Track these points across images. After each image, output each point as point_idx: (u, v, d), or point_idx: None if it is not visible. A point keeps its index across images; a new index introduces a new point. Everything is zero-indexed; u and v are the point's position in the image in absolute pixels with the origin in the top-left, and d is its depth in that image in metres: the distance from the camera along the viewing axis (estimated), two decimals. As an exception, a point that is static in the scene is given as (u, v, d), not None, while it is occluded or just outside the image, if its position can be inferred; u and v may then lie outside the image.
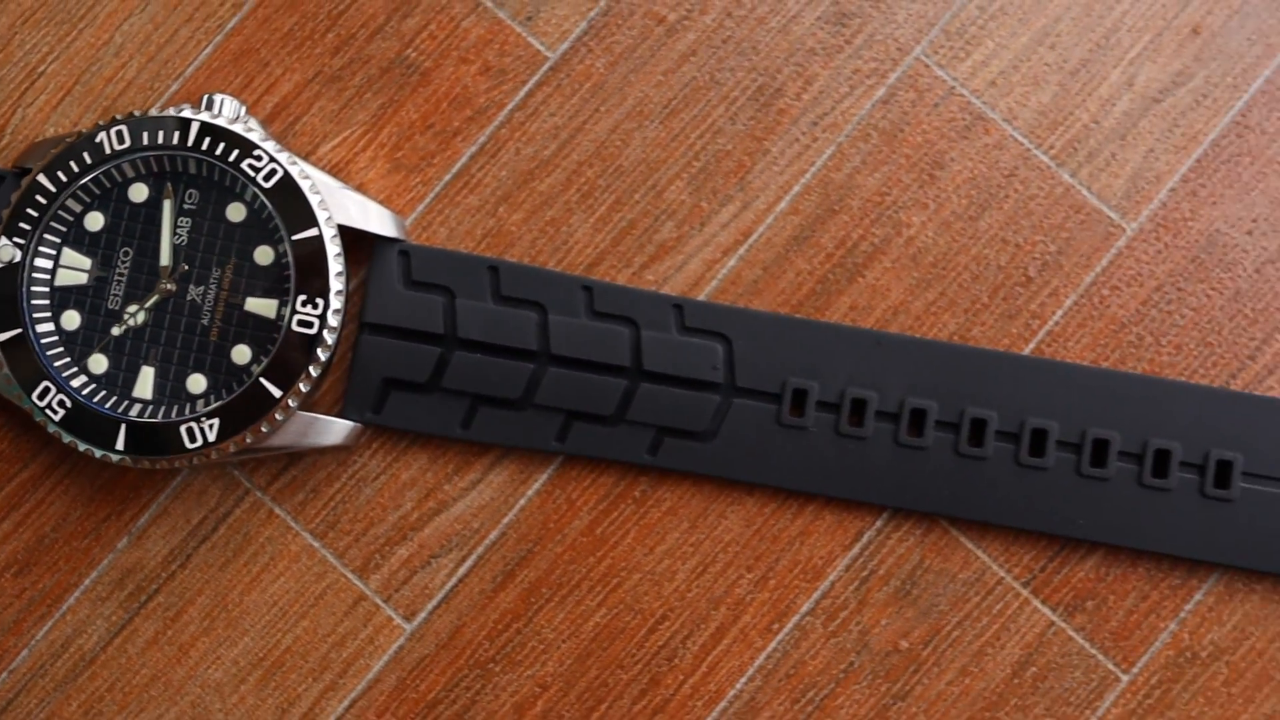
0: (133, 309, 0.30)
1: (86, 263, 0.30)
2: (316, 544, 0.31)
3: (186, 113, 0.29)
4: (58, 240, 0.30)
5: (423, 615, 0.31)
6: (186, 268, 0.30)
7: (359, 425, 0.30)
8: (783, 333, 0.30)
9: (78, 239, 0.30)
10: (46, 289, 0.30)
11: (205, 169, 0.30)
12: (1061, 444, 0.30)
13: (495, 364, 0.30)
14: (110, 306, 0.30)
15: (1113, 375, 0.30)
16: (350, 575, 0.31)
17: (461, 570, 0.31)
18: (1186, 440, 0.30)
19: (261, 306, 0.29)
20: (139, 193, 0.30)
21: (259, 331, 0.29)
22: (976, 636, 0.30)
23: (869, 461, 0.30)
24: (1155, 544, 0.30)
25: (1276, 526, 0.30)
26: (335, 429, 0.30)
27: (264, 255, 0.29)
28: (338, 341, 0.29)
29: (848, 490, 0.30)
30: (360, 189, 0.31)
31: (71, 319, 0.30)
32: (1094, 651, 0.30)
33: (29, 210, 0.29)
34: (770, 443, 0.30)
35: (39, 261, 0.29)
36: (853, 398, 0.30)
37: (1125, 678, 0.30)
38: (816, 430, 0.30)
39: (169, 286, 0.30)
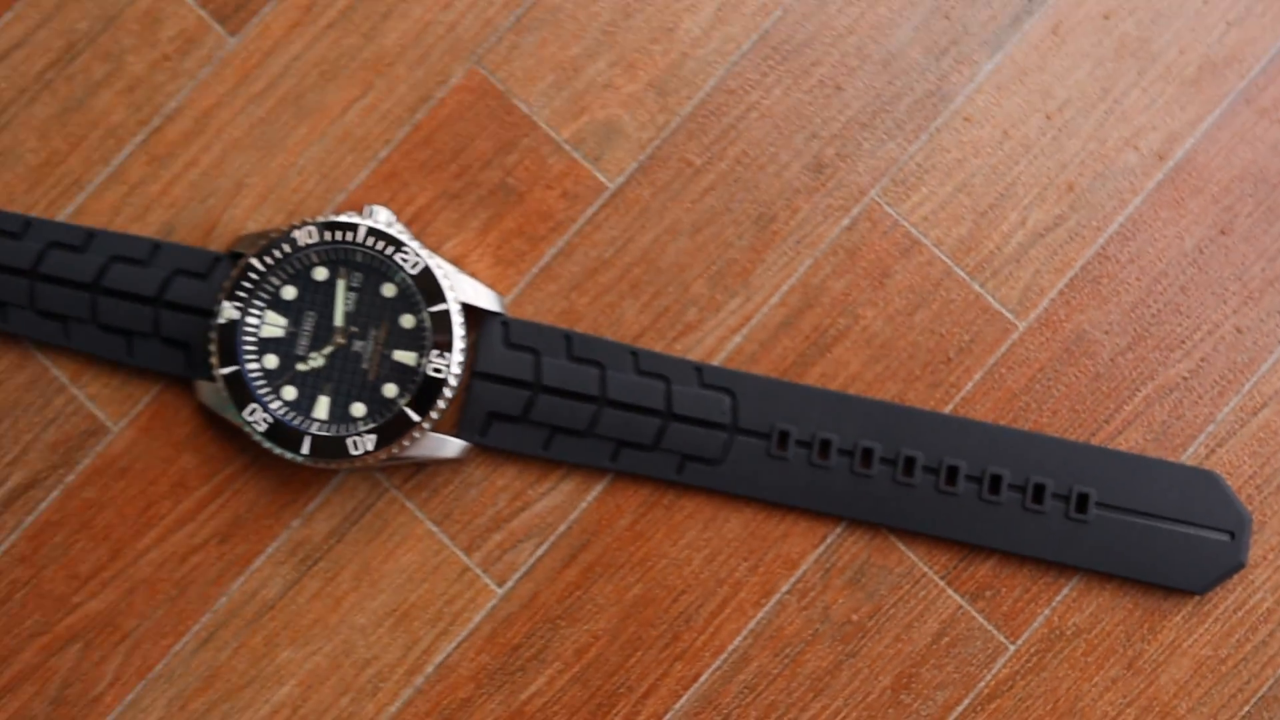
0: (314, 355, 0.42)
1: (283, 321, 0.42)
2: (435, 529, 0.43)
3: (355, 219, 0.42)
4: (263, 305, 0.42)
5: (510, 583, 0.42)
6: (353, 328, 0.42)
7: (469, 444, 0.42)
8: (773, 390, 0.42)
9: (276, 305, 0.42)
10: (255, 339, 0.42)
11: (368, 258, 0.42)
12: (969, 477, 0.42)
13: (567, 404, 0.42)
14: (298, 353, 0.42)
15: (1006, 430, 0.42)
16: (459, 552, 0.43)
17: (539, 552, 0.43)
18: (1058, 478, 0.42)
19: (406, 357, 0.42)
20: (320, 274, 0.42)
21: (403, 375, 0.42)
22: (906, 614, 0.42)
23: (832, 484, 0.42)
24: (1034, 551, 0.42)
25: (1120, 542, 0.41)
26: (452, 446, 0.42)
27: (408, 321, 0.42)
28: (458, 384, 0.41)
29: (816, 505, 0.42)
30: (473, 276, 0.43)
31: (270, 360, 0.42)
32: (990, 627, 0.42)
33: (244, 283, 0.42)
34: (762, 468, 0.42)
35: (249, 320, 0.42)
36: (821, 438, 0.42)
37: (1012, 647, 0.42)
38: (794, 461, 0.42)
39: (340, 340, 0.42)
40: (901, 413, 0.42)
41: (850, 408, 0.42)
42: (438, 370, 0.41)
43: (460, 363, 0.41)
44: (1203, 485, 0.41)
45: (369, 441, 0.41)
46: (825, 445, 0.42)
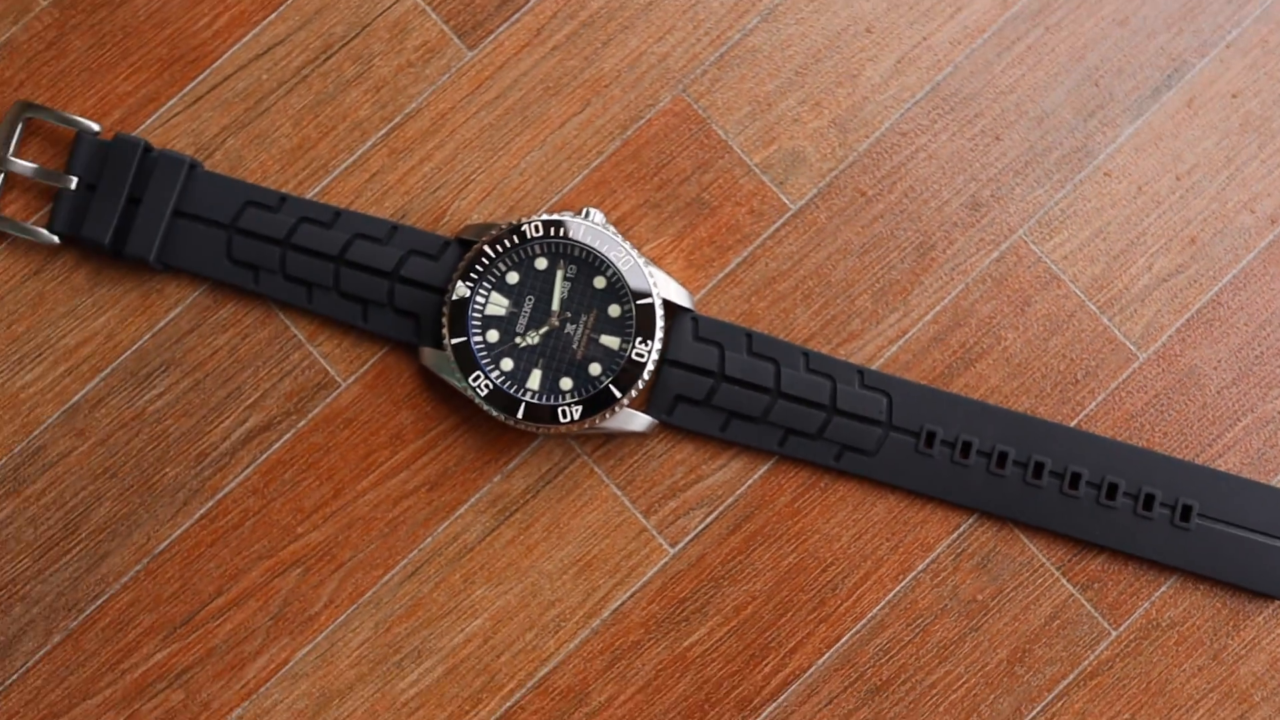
0: (531, 334, 0.48)
1: (505, 302, 0.48)
2: (619, 493, 0.49)
3: (574, 218, 0.48)
4: (489, 286, 0.48)
5: (681, 544, 0.49)
6: (566, 313, 0.48)
7: (656, 421, 0.48)
8: (924, 395, 0.49)
9: (501, 287, 0.48)
10: (480, 316, 0.48)
11: (584, 254, 0.48)
12: (1089, 484, 0.48)
13: (745, 393, 0.48)
14: (517, 330, 0.48)
15: (1124, 445, 0.48)
16: (638, 514, 0.49)
17: (708, 519, 0.49)
18: (1166, 490, 0.48)
19: (611, 342, 0.48)
20: (541, 264, 0.48)
21: (608, 357, 0.48)
22: (1024, 597, 0.48)
23: (969, 481, 0.48)
24: (1141, 551, 0.48)
25: (1216, 549, 0.48)
26: (642, 421, 0.48)
27: (615, 310, 0.48)
28: (654, 368, 0.48)
29: (955, 497, 0.48)
30: (669, 275, 0.50)
31: (493, 335, 0.48)
32: (1096, 614, 0.48)
33: (476, 266, 0.48)
34: (910, 462, 0.48)
35: (477, 299, 0.48)
36: (963, 440, 0.48)
37: (1114, 633, 0.48)
38: (938, 458, 0.48)
39: (555, 323, 0.48)
40: (1034, 423, 0.48)
41: (990, 416, 0.48)
42: (639, 355, 0.47)
43: (658, 350, 0.47)
44: None
45: (575, 411, 0.47)
46: (966, 446, 0.48)
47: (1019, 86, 0.51)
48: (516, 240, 0.48)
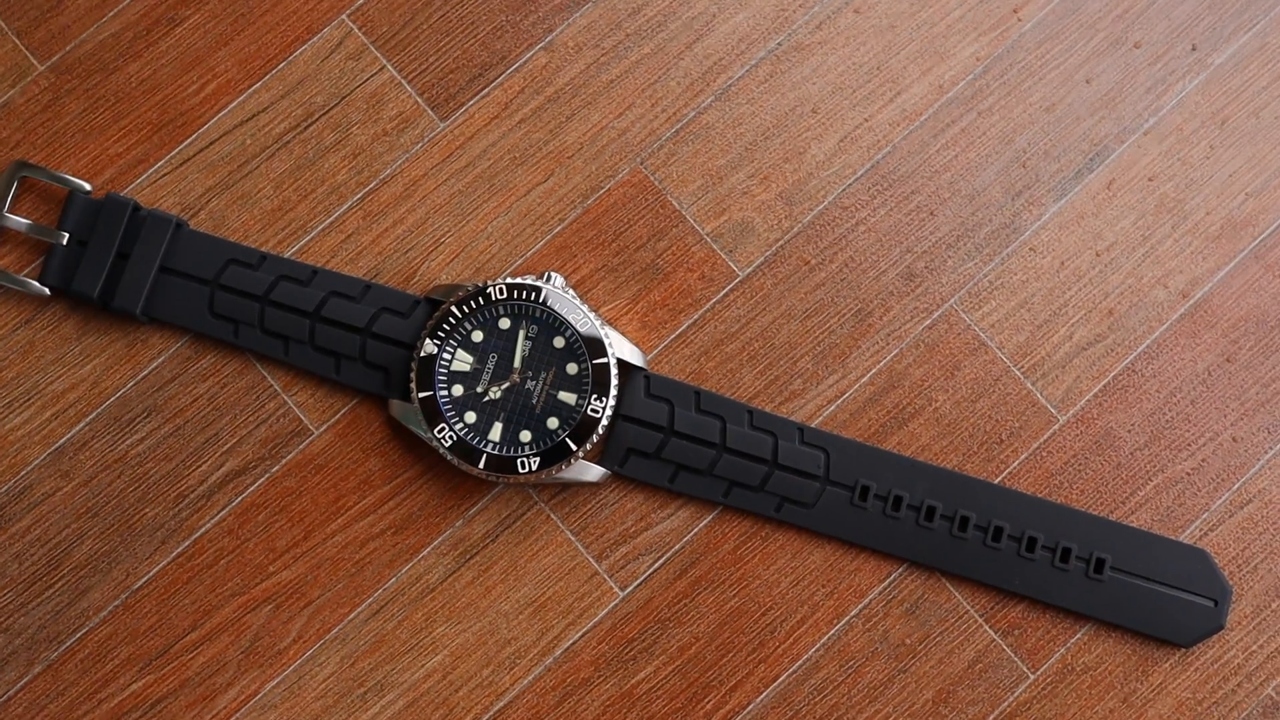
0: (493, 389, 0.52)
1: (470, 359, 0.52)
2: (573, 539, 0.52)
3: (537, 282, 0.52)
4: (455, 344, 0.52)
5: (631, 588, 0.52)
6: (528, 371, 0.52)
7: (609, 472, 0.52)
8: (860, 452, 0.52)
9: (465, 345, 0.52)
10: (446, 371, 0.51)
11: (545, 315, 0.52)
12: (1010, 537, 0.52)
13: (693, 448, 0.52)
14: (479, 387, 0.52)
15: (1044, 502, 0.52)
16: (591, 559, 0.52)
17: (657, 565, 0.52)
18: (1081, 544, 0.52)
19: (568, 398, 0.51)
20: (505, 324, 0.52)
21: (565, 412, 0.51)
22: (949, 642, 0.52)
23: (899, 532, 0.52)
24: (1057, 600, 0.51)
25: (1126, 599, 0.51)
26: (596, 472, 0.51)
27: (572, 368, 0.51)
28: (608, 423, 0.51)
29: (885, 547, 0.52)
30: (623, 335, 0.53)
31: (457, 390, 0.51)
32: (1015, 658, 0.52)
33: (444, 325, 0.51)
34: (845, 514, 0.52)
35: (444, 355, 0.51)
36: (895, 494, 0.52)
37: (1032, 676, 0.52)
38: (872, 511, 0.52)
39: (516, 379, 0.52)
40: (961, 480, 0.52)
41: (920, 472, 0.52)
42: (594, 411, 0.50)
43: (612, 406, 0.51)
44: (1196, 560, 0.51)
45: (534, 463, 0.50)
46: (898, 500, 0.52)
47: (952, 166, 0.55)
48: (482, 301, 0.51)
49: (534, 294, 0.51)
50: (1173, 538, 0.52)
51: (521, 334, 0.51)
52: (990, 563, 0.51)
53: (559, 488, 0.52)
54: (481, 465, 0.50)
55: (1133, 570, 0.51)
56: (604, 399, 0.50)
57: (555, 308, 0.51)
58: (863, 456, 0.52)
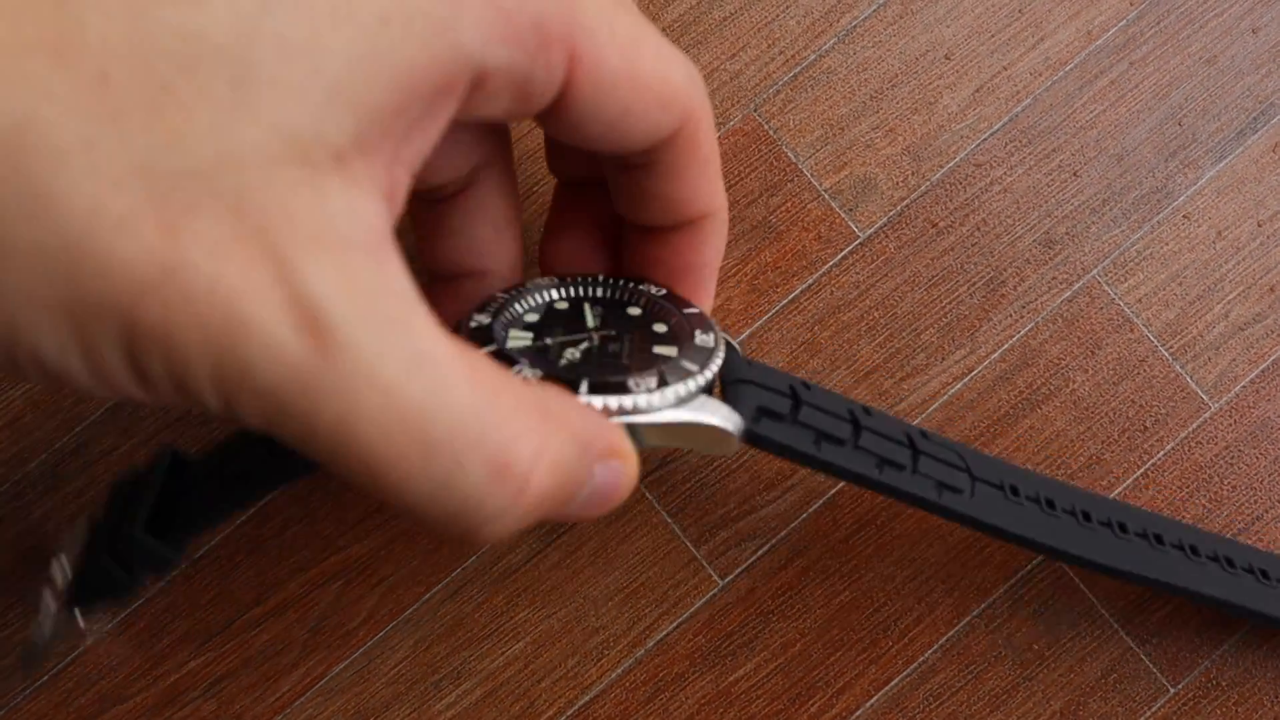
0: (569, 351, 0.41)
1: (528, 335, 0.40)
2: (670, 520, 0.48)
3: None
4: (506, 322, 0.43)
5: (731, 576, 0.48)
6: (608, 331, 0.42)
7: (743, 423, 0.43)
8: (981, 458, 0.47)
9: (516, 324, 0.40)
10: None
11: (608, 292, 0.44)
12: (1139, 535, 0.47)
13: (828, 417, 0.44)
14: (550, 355, 0.42)
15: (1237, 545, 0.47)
16: (688, 543, 0.48)
17: (760, 552, 0.48)
18: (1228, 547, 0.47)
19: (666, 350, 0.43)
20: (561, 305, 0.43)
21: (664, 363, 0.44)
22: (1081, 648, 0.47)
23: (1058, 527, 0.47)
24: (1202, 600, 0.46)
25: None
26: (725, 413, 0.39)
27: (660, 326, 0.42)
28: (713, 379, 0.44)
29: (1019, 540, 0.47)
30: (726, 302, 0.48)
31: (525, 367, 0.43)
32: (1154, 669, 0.47)
33: (486, 306, 0.43)
34: (1002, 507, 0.46)
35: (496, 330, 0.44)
36: (1043, 496, 0.47)
37: (1172, 690, 0.47)
38: (1027, 506, 0.46)
39: (596, 340, 0.42)
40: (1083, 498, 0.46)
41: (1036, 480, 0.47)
42: (703, 343, 0.40)
43: (720, 353, 0.41)
44: None
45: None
46: (1050, 502, 0.46)
47: (1099, 122, 0.49)
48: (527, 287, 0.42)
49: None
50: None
51: (586, 307, 0.42)
52: (1127, 559, 0.46)
53: (657, 463, 0.48)
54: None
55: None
56: (710, 332, 0.41)
57: (615, 283, 0.42)
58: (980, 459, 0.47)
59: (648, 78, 0.34)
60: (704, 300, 0.42)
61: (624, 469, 0.34)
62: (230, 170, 0.25)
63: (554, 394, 0.32)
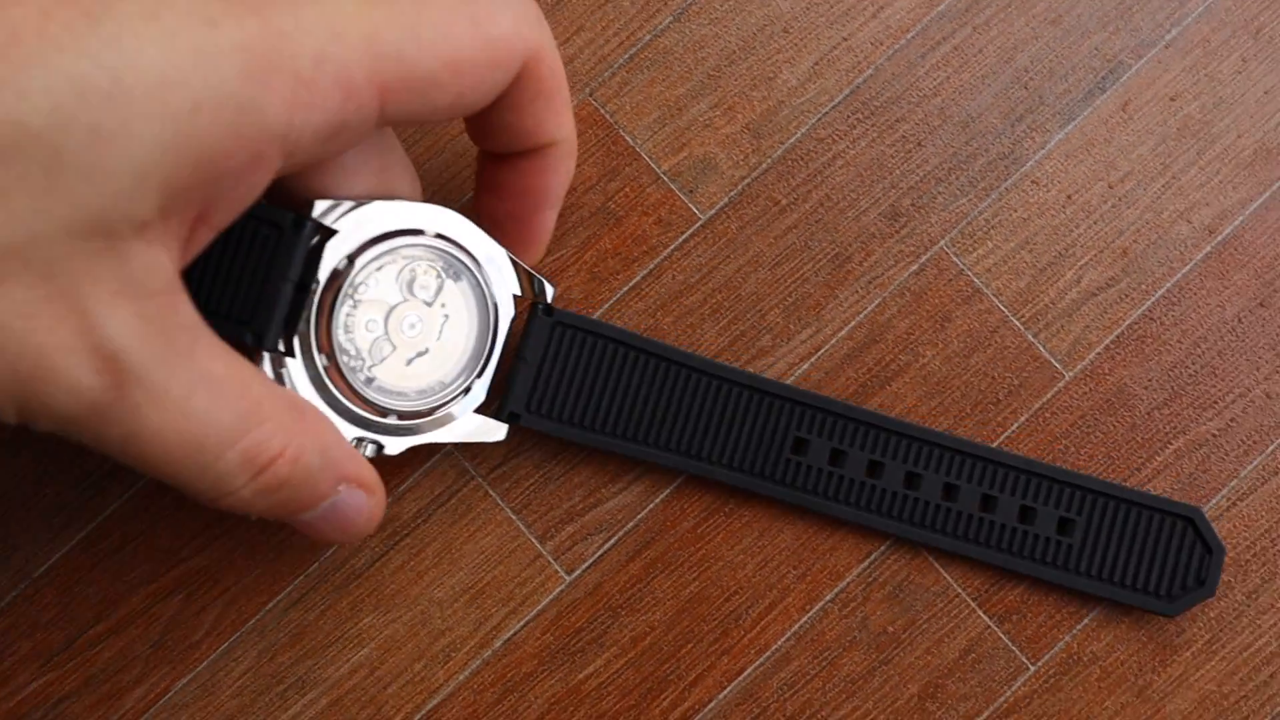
0: None
1: None
2: (514, 517, 0.47)
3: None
4: None
5: (578, 571, 0.46)
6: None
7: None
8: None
9: None
10: None
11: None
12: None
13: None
14: None
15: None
16: (534, 539, 0.47)
17: (606, 545, 0.47)
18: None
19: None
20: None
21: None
22: (937, 630, 0.46)
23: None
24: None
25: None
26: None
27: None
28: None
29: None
30: (566, 290, 0.47)
31: None
32: (1014, 648, 0.46)
33: None
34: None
35: None
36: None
37: (1032, 668, 0.45)
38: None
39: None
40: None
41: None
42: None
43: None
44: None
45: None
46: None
47: (943, 89, 0.48)
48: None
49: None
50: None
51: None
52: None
53: (498, 459, 0.47)
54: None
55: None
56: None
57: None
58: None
59: (468, 56, 0.36)
60: (544, 236, 0.44)
61: (367, 501, 0.40)
62: (43, 245, 0.30)
63: (315, 410, 0.39)
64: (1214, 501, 0.46)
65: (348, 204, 0.41)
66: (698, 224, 0.48)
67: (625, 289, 0.47)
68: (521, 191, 0.43)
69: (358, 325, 0.42)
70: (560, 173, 0.42)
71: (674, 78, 0.48)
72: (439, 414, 0.43)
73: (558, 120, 0.41)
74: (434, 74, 0.36)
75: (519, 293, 0.44)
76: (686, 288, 0.47)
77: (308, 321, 0.41)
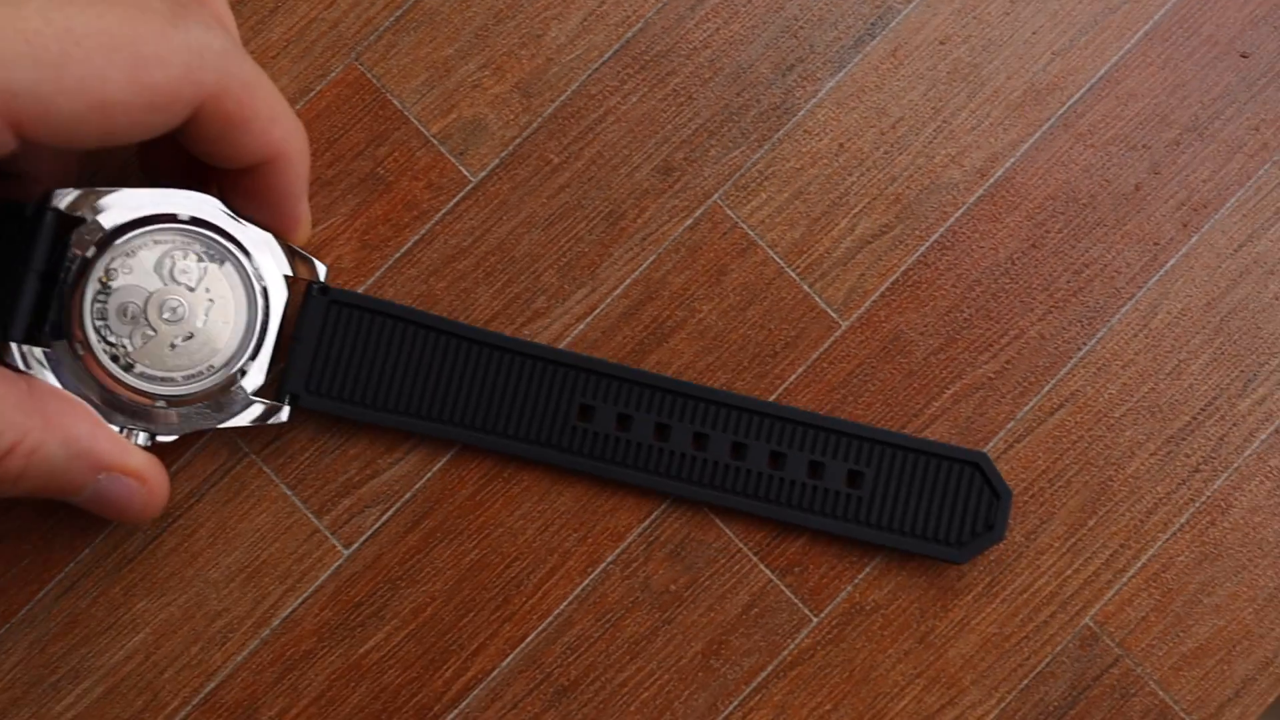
0: None
1: None
2: (289, 492, 0.46)
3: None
4: None
5: (356, 545, 0.46)
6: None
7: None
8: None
9: None
10: None
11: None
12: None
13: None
14: None
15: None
16: (310, 515, 0.46)
17: (384, 517, 0.46)
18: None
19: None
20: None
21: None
22: (720, 586, 0.45)
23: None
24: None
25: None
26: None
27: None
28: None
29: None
30: (337, 260, 0.46)
31: None
32: (796, 601, 0.45)
33: None
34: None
35: None
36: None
37: (815, 619, 0.45)
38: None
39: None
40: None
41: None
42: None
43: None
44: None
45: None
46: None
47: (713, 41, 0.47)
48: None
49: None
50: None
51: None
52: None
53: (271, 435, 0.46)
54: None
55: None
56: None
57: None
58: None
59: (121, 100, 0.35)
60: (300, 223, 0.43)
61: (136, 487, 0.40)
62: None
63: (65, 401, 0.40)
64: (992, 444, 0.46)
65: (101, 191, 0.40)
66: (469, 186, 0.47)
67: (397, 255, 0.47)
68: (262, 194, 0.41)
69: (113, 312, 0.41)
70: (291, 175, 0.41)
71: (441, 38, 0.47)
72: (216, 399, 0.42)
73: (262, 140, 0.39)
74: (78, 114, 0.35)
75: (290, 273, 0.43)
76: (459, 252, 0.47)
77: (58, 311, 0.41)
